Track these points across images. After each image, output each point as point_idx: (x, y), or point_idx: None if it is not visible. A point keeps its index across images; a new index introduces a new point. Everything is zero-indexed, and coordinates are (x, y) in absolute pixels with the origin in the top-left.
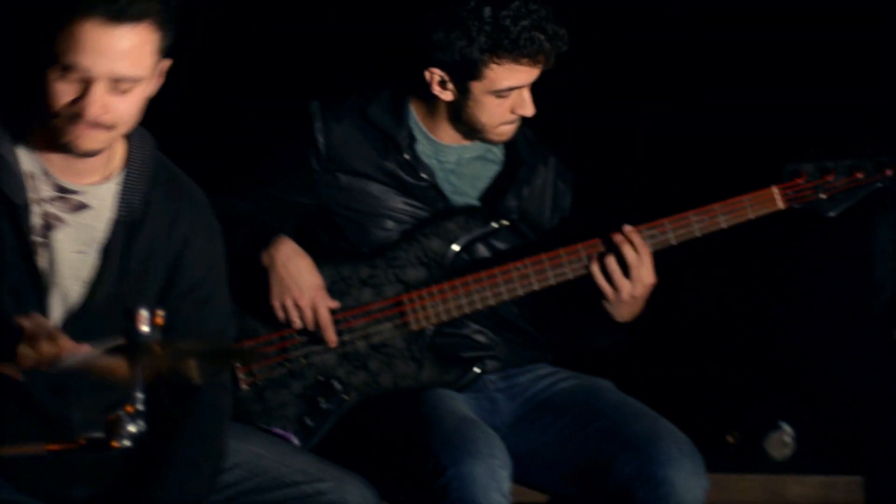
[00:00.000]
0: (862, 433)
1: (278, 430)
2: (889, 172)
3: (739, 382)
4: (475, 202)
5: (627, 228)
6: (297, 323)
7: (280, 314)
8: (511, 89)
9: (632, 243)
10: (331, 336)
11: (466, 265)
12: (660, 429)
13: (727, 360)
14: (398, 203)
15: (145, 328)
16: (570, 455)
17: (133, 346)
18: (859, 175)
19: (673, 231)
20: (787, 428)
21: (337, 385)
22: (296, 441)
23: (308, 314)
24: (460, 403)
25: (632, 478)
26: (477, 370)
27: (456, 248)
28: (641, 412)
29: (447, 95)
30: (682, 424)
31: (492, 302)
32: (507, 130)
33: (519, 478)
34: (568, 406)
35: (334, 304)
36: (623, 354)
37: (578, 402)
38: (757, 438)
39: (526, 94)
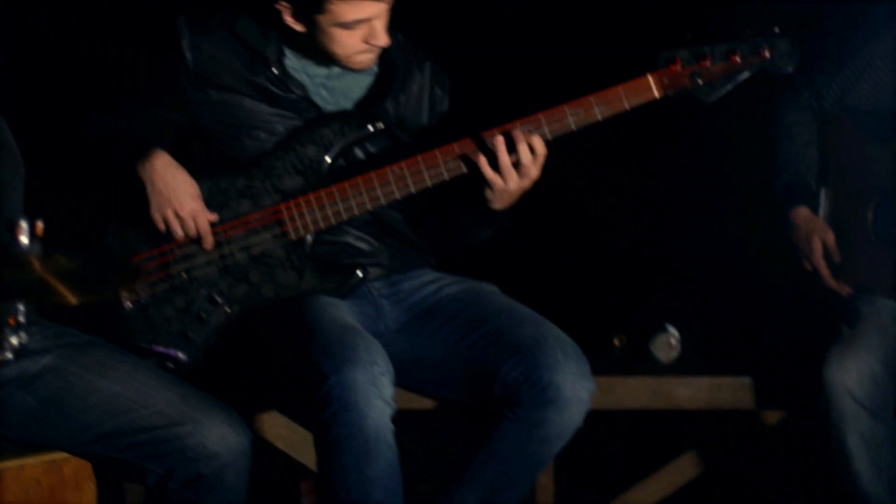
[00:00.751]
0: (749, 334)
1: (160, 349)
2: (766, 54)
3: (625, 285)
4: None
5: (517, 131)
6: (179, 233)
7: (161, 226)
8: (358, 22)
9: (529, 142)
10: (210, 241)
11: (343, 171)
12: (545, 333)
13: (613, 262)
14: (271, 116)
15: (25, 240)
16: (456, 360)
17: (10, 257)
18: (736, 58)
19: (548, 126)
20: (672, 330)
21: (219, 298)
22: (182, 356)
23: (189, 224)
24: (343, 311)
25: (518, 382)
26: (359, 274)
27: (332, 154)
28: (527, 317)
29: (299, 27)
30: (568, 328)
31: (369, 206)
32: (364, 59)
33: (406, 384)
34: (453, 312)
35: (213, 216)
36: (507, 258)
37: (463, 308)
38: (643, 341)
39: (378, 25)
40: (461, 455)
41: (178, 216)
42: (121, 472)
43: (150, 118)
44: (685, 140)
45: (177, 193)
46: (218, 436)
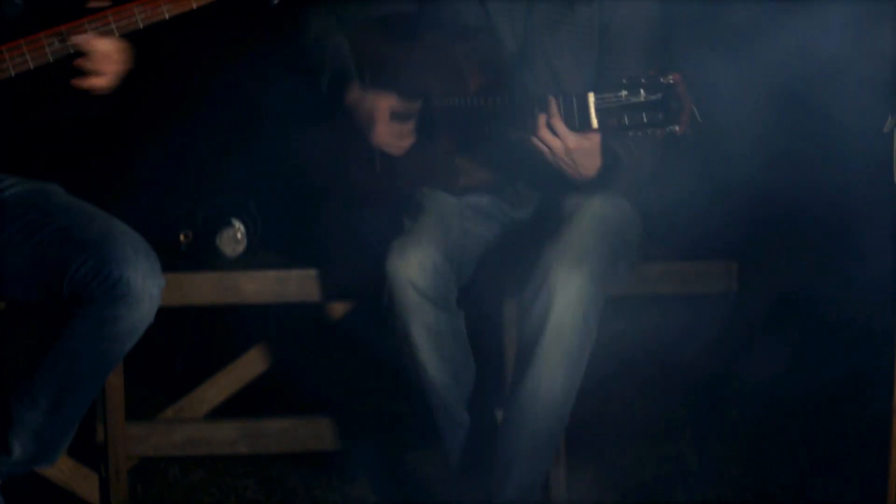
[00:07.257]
0: (315, 227)
1: None
2: None
3: (191, 180)
4: None
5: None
6: None
7: None
8: None
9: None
10: None
11: None
12: (113, 229)
13: (173, 161)
14: None
15: None
16: (24, 261)
17: None
18: None
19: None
20: (238, 224)
21: None
22: None
23: None
24: None
25: (87, 279)
26: None
27: None
28: (93, 213)
29: None
30: (135, 224)
31: None
32: None
33: None
34: (18, 212)
35: None
36: (71, 157)
37: (29, 207)
38: (209, 236)
39: None
40: (32, 356)
41: None
42: None
43: None
44: None
45: None
46: None
